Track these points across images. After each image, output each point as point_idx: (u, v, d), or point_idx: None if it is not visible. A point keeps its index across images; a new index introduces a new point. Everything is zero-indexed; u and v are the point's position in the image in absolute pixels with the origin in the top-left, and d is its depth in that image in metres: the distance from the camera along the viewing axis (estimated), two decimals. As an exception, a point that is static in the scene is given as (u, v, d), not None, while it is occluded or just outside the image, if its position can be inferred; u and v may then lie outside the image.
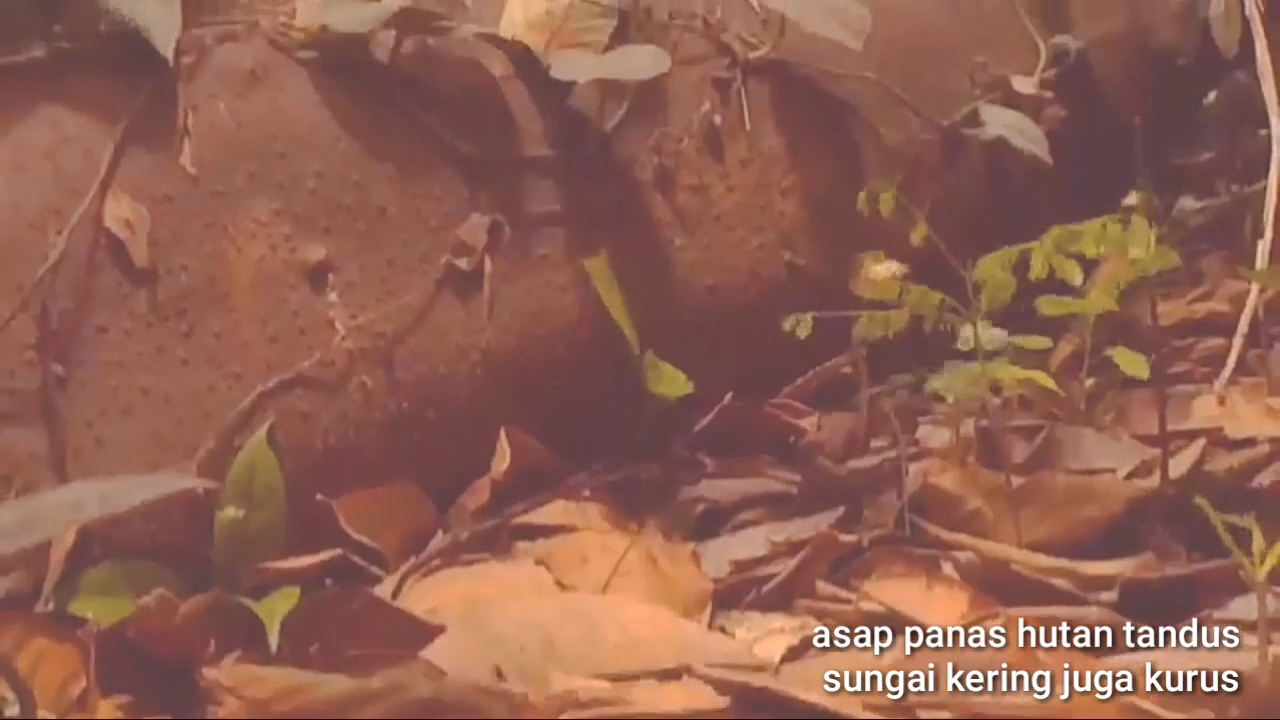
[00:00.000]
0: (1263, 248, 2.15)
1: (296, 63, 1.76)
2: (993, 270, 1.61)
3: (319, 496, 1.63)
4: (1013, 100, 2.25)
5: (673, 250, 1.94)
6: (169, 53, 1.61)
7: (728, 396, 1.93)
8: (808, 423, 1.97)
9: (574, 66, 1.81)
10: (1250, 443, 1.85)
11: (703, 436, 1.93)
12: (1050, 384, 1.93)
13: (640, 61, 1.84)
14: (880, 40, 2.15)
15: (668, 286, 1.92)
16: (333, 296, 1.68)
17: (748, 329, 1.99)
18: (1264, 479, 1.77)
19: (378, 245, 1.72)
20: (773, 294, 2.02)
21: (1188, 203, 2.82)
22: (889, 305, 1.78)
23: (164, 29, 1.62)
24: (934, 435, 2.00)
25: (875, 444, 1.98)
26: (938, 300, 1.69)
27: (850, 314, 1.95)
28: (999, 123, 2.18)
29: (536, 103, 1.87)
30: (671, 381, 1.88)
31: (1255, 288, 2.19)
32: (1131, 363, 2.17)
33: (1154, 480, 1.70)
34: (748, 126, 2.02)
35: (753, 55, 2.06)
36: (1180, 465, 1.71)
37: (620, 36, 1.98)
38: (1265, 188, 2.31)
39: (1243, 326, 2.10)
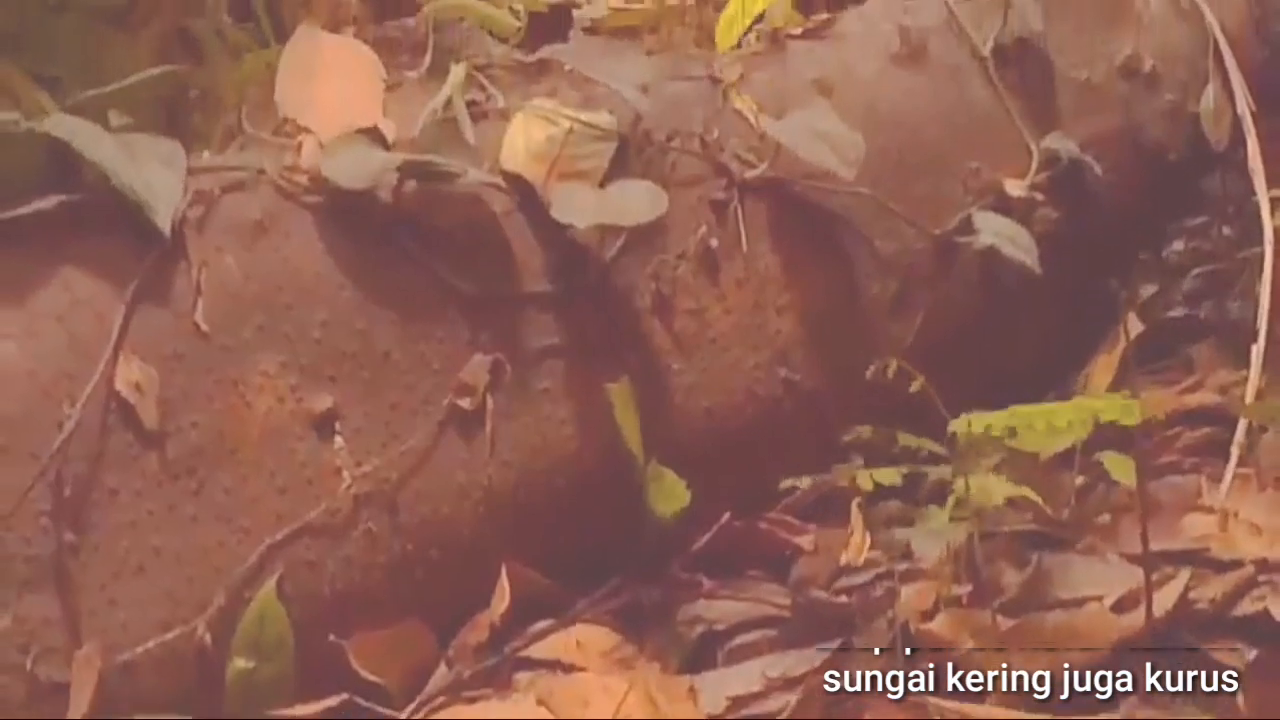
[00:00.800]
0: (1256, 356, 2.18)
1: (302, 206, 1.80)
2: (977, 429, 1.65)
3: (331, 637, 1.68)
4: (1005, 204, 2.28)
5: (670, 375, 1.98)
6: (166, 228, 1.65)
7: (725, 516, 1.98)
8: (804, 540, 2.02)
9: (574, 209, 1.85)
10: (1237, 564, 1.90)
11: (701, 556, 1.98)
12: (1038, 499, 1.98)
13: (638, 203, 1.87)
14: (875, 151, 2.18)
15: (665, 411, 1.96)
16: (339, 444, 1.72)
17: (745, 447, 2.04)
18: (1247, 606, 1.81)
19: (382, 390, 1.77)
20: (769, 411, 2.06)
21: (1178, 245, 2.87)
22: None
23: (165, 200, 1.65)
24: (927, 541, 2.05)
25: (870, 554, 2.03)
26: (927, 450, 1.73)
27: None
28: (991, 230, 2.22)
29: (537, 236, 1.91)
30: (673, 495, 1.93)
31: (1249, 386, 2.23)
32: (1119, 467, 2.23)
33: (1140, 614, 1.74)
34: (744, 247, 2.06)
35: (749, 174, 2.10)
36: (1165, 600, 1.76)
37: (620, 160, 2.02)
38: (1258, 257, 2.36)
39: (1239, 436, 2.14)
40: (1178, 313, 2.64)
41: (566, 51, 2.07)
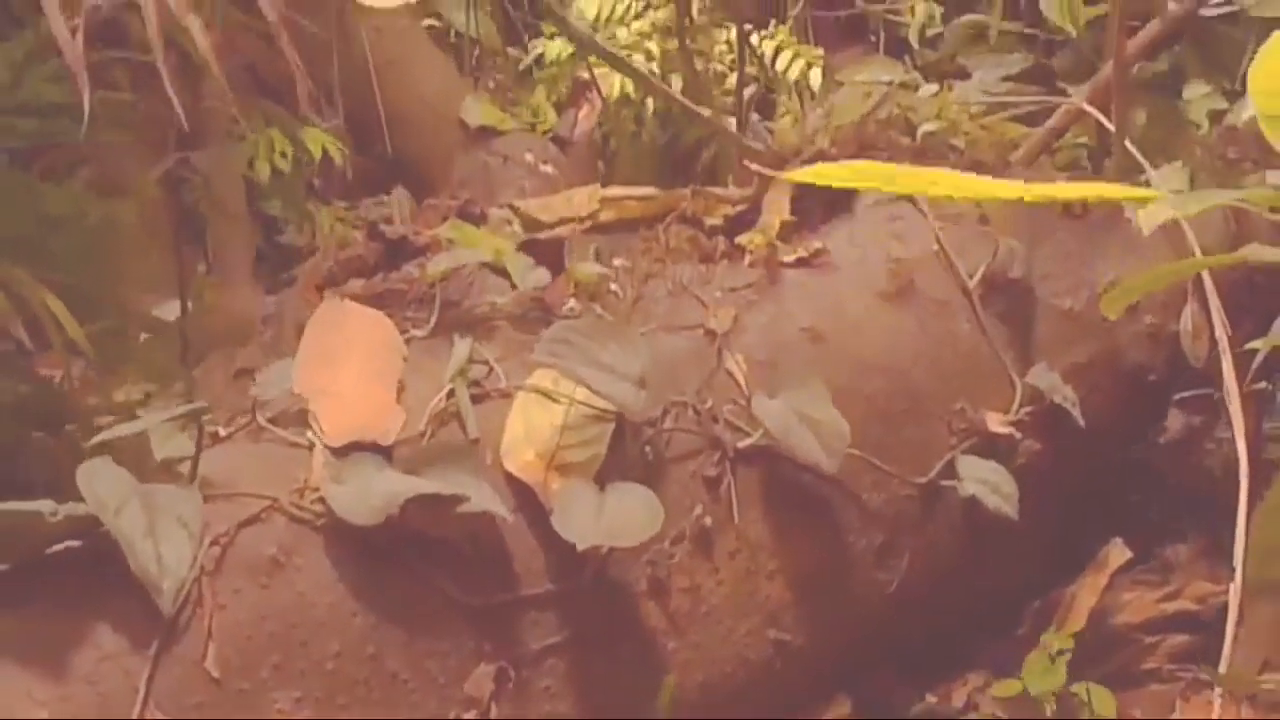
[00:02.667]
0: (1234, 596, 2.27)
1: (314, 530, 1.90)
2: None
3: None
4: (989, 442, 2.38)
5: (666, 655, 2.08)
6: (170, 608, 1.75)
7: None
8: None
9: (574, 526, 1.94)
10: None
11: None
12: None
13: (635, 519, 1.97)
14: (862, 399, 2.29)
15: (660, 693, 2.07)
16: (349, 768, 1.84)
17: (737, 709, 2.15)
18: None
19: (390, 709, 1.87)
20: (760, 674, 2.17)
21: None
22: None
23: (173, 575, 1.75)
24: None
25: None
26: None
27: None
28: (973, 478, 2.31)
29: (536, 538, 2.01)
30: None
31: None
32: (1101, 701, 2.34)
33: None
34: (736, 520, 2.16)
35: (742, 444, 2.19)
36: None
37: (618, 439, 2.12)
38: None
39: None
40: (1155, 514, 2.73)
41: (569, 329, 2.15)
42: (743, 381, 2.24)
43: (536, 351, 2.09)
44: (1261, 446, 2.61)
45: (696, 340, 2.29)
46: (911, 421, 2.34)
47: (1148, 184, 2.66)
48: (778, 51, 4.61)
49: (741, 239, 2.61)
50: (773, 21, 4.66)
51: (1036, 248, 2.51)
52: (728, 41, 4.24)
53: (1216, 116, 3.22)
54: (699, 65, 4.27)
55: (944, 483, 2.32)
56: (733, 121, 3.21)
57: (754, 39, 4.62)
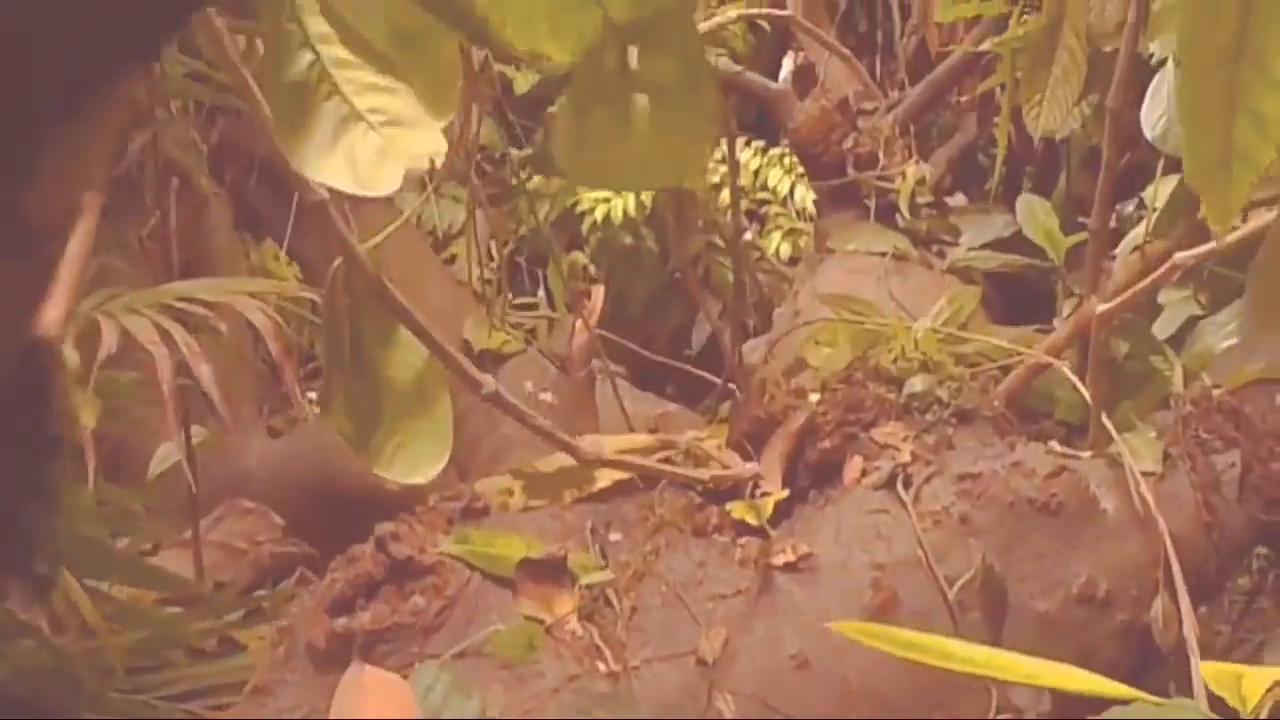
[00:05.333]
0: None
1: None
2: None
3: None
4: (967, 757, 2.52)
5: None
6: None
7: None
8: None
9: None
10: None
11: None
12: None
13: None
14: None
15: None
16: None
17: None
18: None
19: None
20: None
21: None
22: None
23: None
24: None
25: None
26: None
27: None
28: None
29: None
30: None
31: None
32: None
33: None
34: None
35: (730, 793, 2.34)
36: None
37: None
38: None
39: None
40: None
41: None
42: (732, 724, 2.38)
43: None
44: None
45: (687, 672, 2.42)
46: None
47: (1118, 458, 2.76)
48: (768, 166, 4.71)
49: (735, 510, 2.74)
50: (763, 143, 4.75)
51: (1014, 548, 2.64)
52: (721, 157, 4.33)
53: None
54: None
55: (922, 799, 2.47)
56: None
57: (745, 156, 4.72)
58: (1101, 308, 2.62)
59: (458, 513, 2.65)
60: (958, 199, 4.28)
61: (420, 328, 1.87)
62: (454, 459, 2.18)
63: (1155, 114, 3.13)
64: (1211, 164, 1.04)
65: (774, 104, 4.08)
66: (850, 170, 3.86)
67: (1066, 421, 3.19)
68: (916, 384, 2.95)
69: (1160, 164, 3.15)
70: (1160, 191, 3.18)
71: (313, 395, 3.20)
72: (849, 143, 3.87)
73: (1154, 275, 2.53)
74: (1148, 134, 3.07)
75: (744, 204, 4.62)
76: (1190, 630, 2.65)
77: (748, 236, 4.56)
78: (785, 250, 4.55)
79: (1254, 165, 1.04)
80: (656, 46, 0.95)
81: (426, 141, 1.31)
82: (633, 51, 0.94)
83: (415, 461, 1.92)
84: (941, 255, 3.83)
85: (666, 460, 2.87)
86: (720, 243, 4.55)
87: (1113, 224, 3.27)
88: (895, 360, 3.03)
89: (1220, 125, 1.03)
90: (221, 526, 3.83)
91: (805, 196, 4.54)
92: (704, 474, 2.67)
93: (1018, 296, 3.85)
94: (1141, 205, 3.52)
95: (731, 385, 3.70)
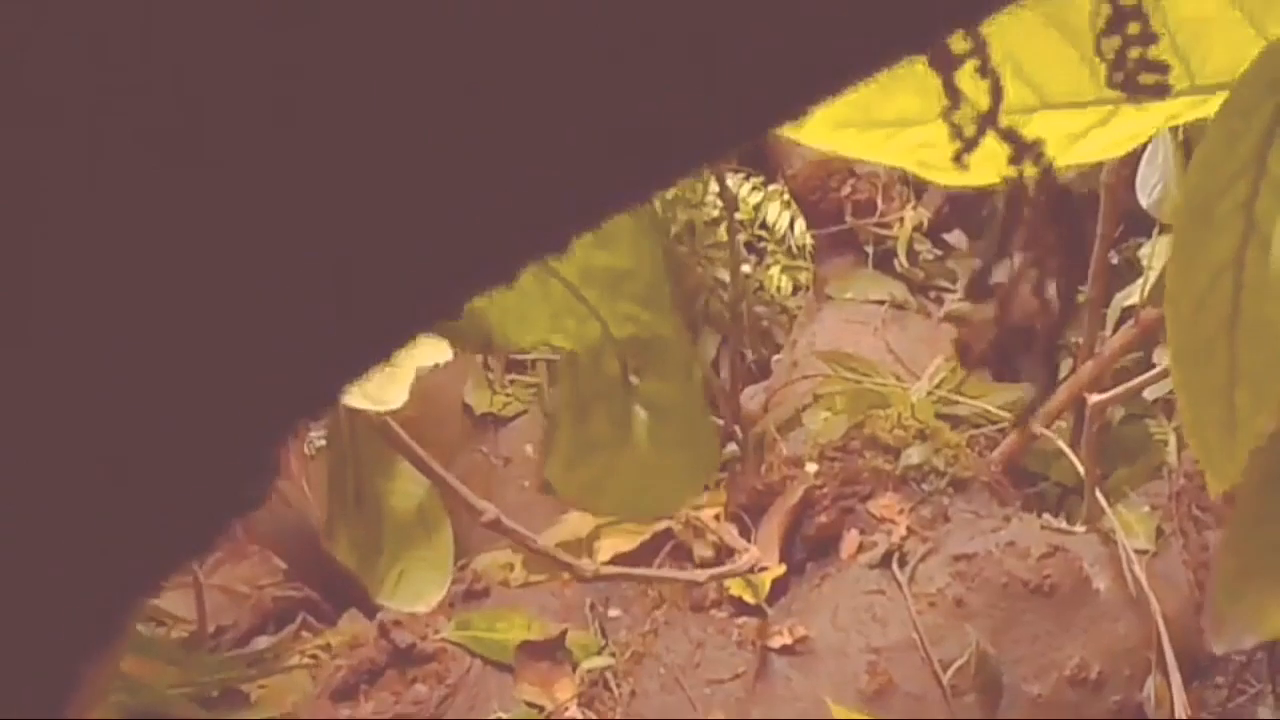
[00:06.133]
0: None
1: None
2: None
3: None
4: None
5: None
6: None
7: None
8: None
9: None
10: None
11: None
12: None
13: None
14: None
15: None
16: None
17: None
18: None
19: None
20: None
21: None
22: None
23: None
24: None
25: None
26: None
27: None
28: None
29: None
30: None
31: None
32: None
33: None
34: None
35: None
36: None
37: None
38: None
39: None
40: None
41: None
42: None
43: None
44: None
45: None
46: None
47: (1111, 535, 2.80)
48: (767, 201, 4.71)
49: (733, 587, 2.77)
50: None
51: (1008, 630, 2.67)
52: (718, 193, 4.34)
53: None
54: (686, 215, 4.40)
55: None
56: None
57: (744, 190, 4.72)
58: (1095, 398, 2.65)
59: (459, 596, 2.69)
60: (956, 235, 4.28)
61: (422, 461, 1.89)
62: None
63: (1150, 181, 3.15)
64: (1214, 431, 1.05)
65: (771, 148, 4.09)
66: (848, 217, 3.87)
67: (1063, 484, 3.22)
68: (913, 455, 2.98)
69: (1157, 228, 3.17)
70: (1155, 251, 3.20)
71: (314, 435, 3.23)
72: (847, 189, 3.88)
73: (1145, 377, 2.56)
74: (1143, 202, 3.07)
75: (742, 237, 4.63)
76: (1182, 709, 2.70)
77: (746, 270, 4.57)
78: (786, 285, 4.56)
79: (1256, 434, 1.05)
80: (656, 370, 0.97)
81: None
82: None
83: (418, 589, 1.94)
84: (939, 302, 3.84)
85: (666, 531, 2.90)
86: (719, 275, 4.55)
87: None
88: (892, 429, 3.06)
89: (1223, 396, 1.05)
90: (222, 570, 3.86)
91: (804, 233, 4.54)
92: (702, 575, 2.70)
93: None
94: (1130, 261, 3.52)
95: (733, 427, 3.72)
